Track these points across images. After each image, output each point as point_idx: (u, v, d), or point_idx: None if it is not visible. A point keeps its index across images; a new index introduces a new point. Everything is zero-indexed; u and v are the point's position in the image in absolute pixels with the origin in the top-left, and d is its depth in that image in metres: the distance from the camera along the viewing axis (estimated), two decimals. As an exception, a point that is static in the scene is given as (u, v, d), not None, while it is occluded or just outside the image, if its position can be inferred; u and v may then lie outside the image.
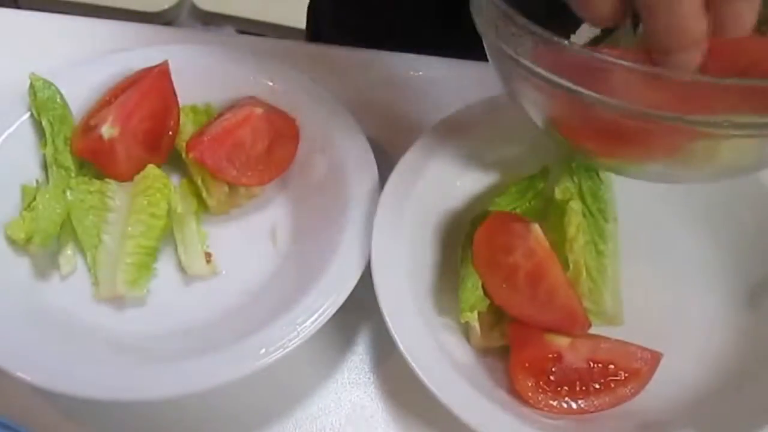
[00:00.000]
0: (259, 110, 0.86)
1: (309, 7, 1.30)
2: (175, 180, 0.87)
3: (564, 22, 0.66)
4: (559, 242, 0.76)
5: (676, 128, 0.59)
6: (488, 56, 0.70)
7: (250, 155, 0.85)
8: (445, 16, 1.09)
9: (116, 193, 0.84)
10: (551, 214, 0.79)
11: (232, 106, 0.89)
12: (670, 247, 0.84)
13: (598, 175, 0.81)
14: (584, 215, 0.78)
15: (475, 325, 0.74)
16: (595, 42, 0.70)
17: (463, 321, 0.74)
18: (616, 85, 0.59)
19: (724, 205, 0.83)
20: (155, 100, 0.86)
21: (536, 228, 0.73)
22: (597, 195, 0.80)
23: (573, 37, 0.69)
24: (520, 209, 0.80)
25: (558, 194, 0.79)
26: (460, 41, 0.87)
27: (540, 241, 0.73)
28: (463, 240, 0.78)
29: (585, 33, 0.70)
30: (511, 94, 0.73)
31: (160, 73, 0.88)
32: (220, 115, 0.88)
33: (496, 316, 0.75)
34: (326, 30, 1.25)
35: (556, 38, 0.59)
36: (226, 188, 0.85)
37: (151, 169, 0.83)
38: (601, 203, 0.80)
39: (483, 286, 0.74)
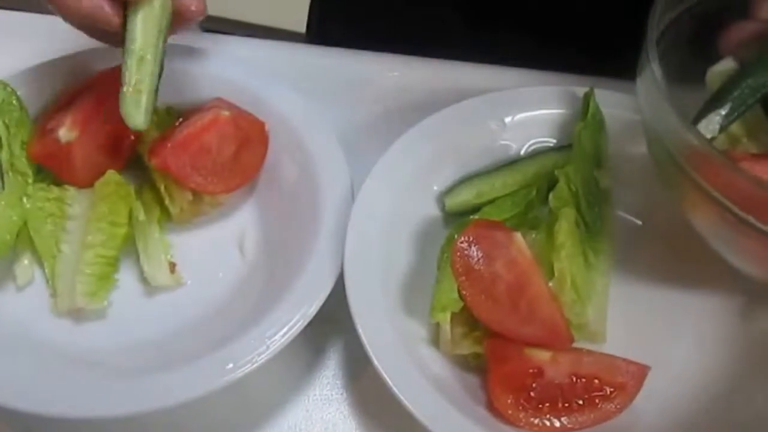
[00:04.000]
0: (225, 114, 0.85)
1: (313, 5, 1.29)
2: (137, 186, 0.86)
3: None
4: (550, 251, 0.76)
5: None
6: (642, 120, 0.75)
7: (216, 161, 0.84)
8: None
9: (76, 200, 0.83)
10: (546, 223, 0.79)
11: (199, 109, 0.88)
12: (662, 256, 0.84)
13: (599, 187, 0.82)
14: (577, 225, 0.78)
15: (446, 327, 0.74)
16: (724, 126, 0.71)
17: (433, 321, 0.74)
18: None
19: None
20: (115, 103, 0.85)
21: (519, 237, 0.73)
22: (595, 207, 0.80)
23: (701, 125, 0.71)
24: (511, 221, 0.80)
25: (553, 201, 0.79)
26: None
27: (522, 251, 0.73)
28: (444, 243, 0.78)
29: (714, 119, 0.71)
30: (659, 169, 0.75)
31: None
32: (186, 118, 0.87)
33: (469, 326, 0.75)
34: (333, 29, 1.24)
35: (722, 157, 0.62)
36: (190, 196, 0.84)
37: (112, 176, 0.82)
38: (598, 216, 0.80)
39: (461, 297, 0.73)
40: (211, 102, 0.88)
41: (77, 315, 0.79)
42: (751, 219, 0.62)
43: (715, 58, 0.74)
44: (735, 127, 0.72)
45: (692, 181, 0.65)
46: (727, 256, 0.72)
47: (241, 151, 0.86)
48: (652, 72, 0.66)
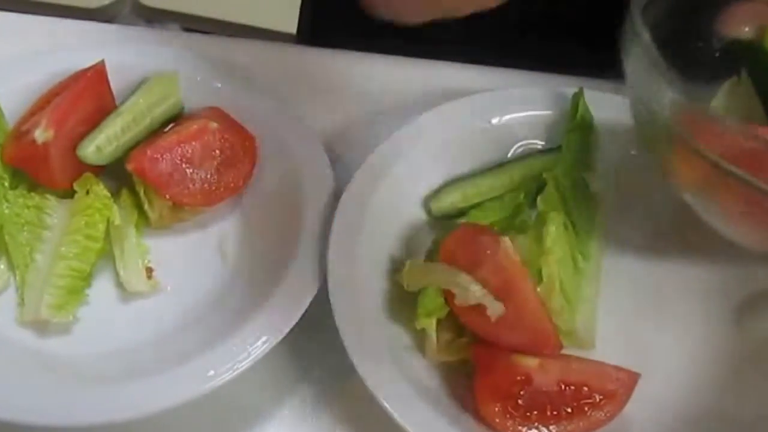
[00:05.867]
0: (213, 125, 0.85)
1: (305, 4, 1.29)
2: (115, 188, 0.85)
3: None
4: (538, 255, 0.76)
5: None
6: (629, 100, 0.75)
7: (198, 173, 0.83)
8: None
9: (55, 210, 0.82)
10: (534, 227, 0.79)
11: (190, 116, 0.87)
12: (653, 263, 0.84)
13: (588, 190, 0.81)
14: (566, 229, 0.78)
15: (432, 333, 0.73)
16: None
17: (419, 327, 0.73)
18: None
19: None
20: (91, 102, 0.85)
21: (506, 242, 0.73)
22: (584, 210, 0.80)
23: None
24: (498, 225, 0.80)
25: (541, 204, 0.79)
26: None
27: (510, 255, 0.72)
28: (430, 247, 0.78)
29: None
30: (642, 140, 0.77)
31: (96, 74, 0.86)
32: (178, 124, 0.87)
33: (455, 332, 0.74)
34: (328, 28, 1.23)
35: (718, 116, 0.65)
36: (170, 202, 0.83)
37: (93, 184, 0.82)
38: (587, 220, 0.80)
39: (448, 302, 0.73)
40: (205, 110, 0.88)
41: (42, 326, 0.78)
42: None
43: (696, 36, 0.75)
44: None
45: (687, 145, 0.66)
46: (719, 225, 0.73)
47: (225, 166, 0.85)
48: (641, 41, 0.66)
